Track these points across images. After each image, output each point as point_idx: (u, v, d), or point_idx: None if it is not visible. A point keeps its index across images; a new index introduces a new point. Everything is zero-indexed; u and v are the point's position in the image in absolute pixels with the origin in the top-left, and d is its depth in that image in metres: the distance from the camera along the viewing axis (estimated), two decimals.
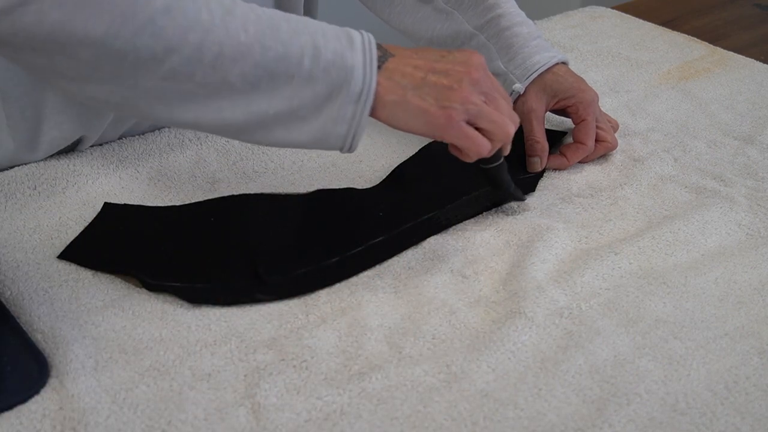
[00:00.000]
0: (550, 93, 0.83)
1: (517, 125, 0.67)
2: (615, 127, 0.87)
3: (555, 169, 0.83)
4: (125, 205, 0.76)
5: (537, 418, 0.56)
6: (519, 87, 0.83)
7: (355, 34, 0.62)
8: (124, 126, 0.86)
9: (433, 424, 0.55)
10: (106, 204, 0.76)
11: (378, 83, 0.62)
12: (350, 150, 0.64)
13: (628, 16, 1.20)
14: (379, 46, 0.63)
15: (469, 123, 0.64)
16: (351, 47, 0.61)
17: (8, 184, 0.78)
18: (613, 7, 1.23)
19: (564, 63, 0.84)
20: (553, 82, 0.83)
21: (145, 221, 0.74)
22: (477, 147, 0.65)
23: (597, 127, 0.83)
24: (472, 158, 0.67)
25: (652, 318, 0.64)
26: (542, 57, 0.83)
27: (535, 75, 0.82)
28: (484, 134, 0.65)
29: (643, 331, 0.63)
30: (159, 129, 0.88)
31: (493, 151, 0.67)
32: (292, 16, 0.61)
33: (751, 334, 0.63)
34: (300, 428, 0.55)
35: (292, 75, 0.60)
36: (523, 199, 0.77)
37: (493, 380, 0.58)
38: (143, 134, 0.87)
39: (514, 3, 0.87)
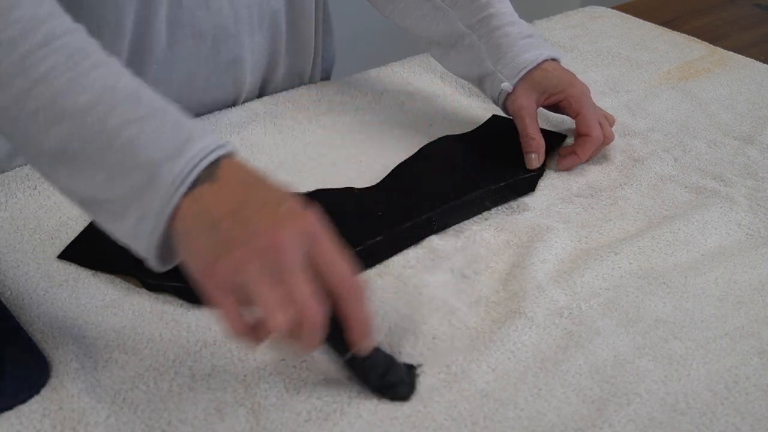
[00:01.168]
0: (539, 89, 0.83)
1: (316, 324, 0.51)
2: (611, 121, 0.87)
3: (567, 169, 0.83)
4: None
5: (537, 418, 0.56)
6: (507, 85, 0.83)
7: (196, 143, 0.54)
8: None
9: (433, 424, 0.55)
10: None
11: (179, 208, 0.53)
12: (158, 267, 0.56)
13: (628, 16, 1.20)
14: (217, 162, 0.54)
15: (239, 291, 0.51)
16: (174, 157, 0.53)
17: (8, 184, 0.78)
18: (613, 7, 1.23)
19: (554, 59, 0.84)
20: (542, 78, 0.83)
21: None
22: (225, 317, 0.52)
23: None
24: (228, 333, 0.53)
25: (652, 318, 0.64)
26: (531, 55, 0.83)
27: (523, 73, 0.82)
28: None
29: (643, 331, 0.63)
30: None
31: (259, 338, 0.52)
32: (145, 98, 0.55)
33: (751, 334, 0.63)
34: (300, 428, 0.55)
35: (105, 162, 0.54)
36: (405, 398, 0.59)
37: (493, 380, 0.58)
38: None
39: (508, 3, 0.87)
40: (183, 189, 0.52)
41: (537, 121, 0.83)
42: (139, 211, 0.53)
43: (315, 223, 0.53)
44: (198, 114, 0.92)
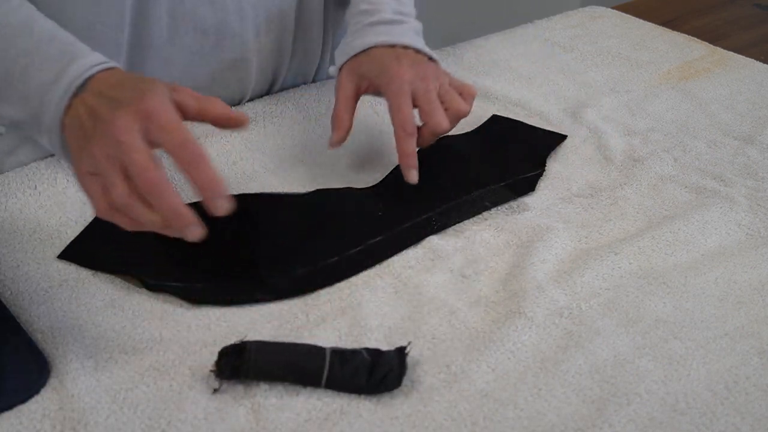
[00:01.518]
0: (359, 73, 0.80)
1: (153, 183, 0.58)
2: (466, 95, 0.79)
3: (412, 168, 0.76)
4: None
5: (537, 418, 0.56)
6: (332, 70, 0.83)
7: (75, 66, 0.64)
8: None
9: (433, 424, 0.55)
10: None
11: (63, 122, 0.64)
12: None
13: (628, 16, 1.20)
14: (90, 78, 0.64)
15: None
16: (57, 80, 0.64)
17: (8, 184, 0.78)
18: (613, 7, 1.23)
19: (394, 45, 0.79)
20: (363, 62, 0.80)
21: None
22: (91, 202, 0.61)
23: (419, 106, 0.77)
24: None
25: (652, 318, 0.64)
26: (365, 41, 0.80)
27: (347, 57, 0.81)
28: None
29: (643, 331, 0.63)
30: None
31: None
32: (36, 30, 0.67)
33: (751, 334, 0.63)
34: (300, 428, 0.55)
35: (13, 90, 0.66)
36: None
37: (493, 380, 0.58)
38: None
39: None
40: (63, 106, 0.64)
41: (349, 103, 0.80)
42: (45, 128, 0.65)
43: (151, 103, 0.60)
44: None
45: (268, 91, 0.98)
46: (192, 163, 0.59)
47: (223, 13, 0.86)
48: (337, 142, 0.79)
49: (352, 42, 0.82)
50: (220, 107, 0.65)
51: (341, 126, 0.79)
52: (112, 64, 0.66)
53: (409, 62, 0.78)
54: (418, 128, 0.76)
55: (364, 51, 0.80)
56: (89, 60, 0.65)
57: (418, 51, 0.80)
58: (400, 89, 0.76)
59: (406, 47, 0.80)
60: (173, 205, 0.58)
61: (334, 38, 1.02)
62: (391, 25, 0.82)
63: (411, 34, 0.82)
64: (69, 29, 0.70)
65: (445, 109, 0.77)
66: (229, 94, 0.93)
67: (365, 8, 0.84)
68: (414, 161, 0.75)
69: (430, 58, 0.81)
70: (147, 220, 0.59)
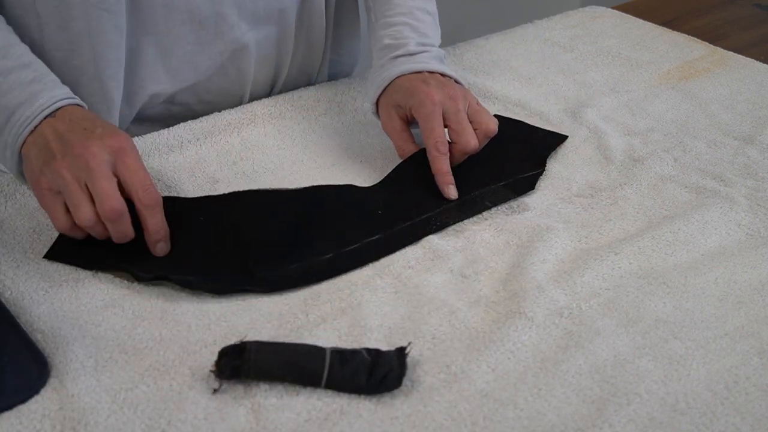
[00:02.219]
0: (393, 104, 0.82)
1: (114, 212, 0.65)
2: (485, 131, 0.80)
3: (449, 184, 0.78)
4: None
5: (537, 418, 0.56)
6: (370, 108, 0.85)
7: (45, 94, 0.71)
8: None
9: (433, 424, 0.55)
10: None
11: (25, 141, 0.70)
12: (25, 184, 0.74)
13: (628, 16, 1.20)
14: (59, 109, 0.71)
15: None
16: (26, 103, 0.70)
17: (8, 184, 0.78)
18: (613, 7, 1.23)
19: (419, 72, 0.82)
20: (393, 92, 0.82)
21: (133, 219, 0.74)
22: (54, 221, 0.68)
23: (449, 126, 0.79)
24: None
25: (652, 318, 0.64)
26: (391, 72, 0.83)
27: (379, 92, 0.83)
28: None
29: (643, 331, 0.63)
30: (158, 129, 0.88)
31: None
32: (12, 54, 0.72)
33: (751, 334, 0.63)
34: (300, 428, 0.55)
35: None
36: None
37: (493, 380, 0.58)
38: (143, 135, 0.87)
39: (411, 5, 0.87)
40: (30, 127, 0.70)
41: (404, 135, 0.82)
42: (3, 144, 0.71)
43: (123, 142, 0.68)
44: (206, 101, 0.92)
45: (272, 86, 0.98)
46: (149, 207, 0.67)
47: (220, 5, 0.86)
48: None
49: (380, 75, 0.84)
50: (152, 223, 0.68)
51: (408, 154, 0.82)
52: (80, 101, 0.73)
53: (437, 84, 0.81)
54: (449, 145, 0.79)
55: (391, 82, 0.83)
56: (61, 92, 0.72)
57: (443, 74, 0.83)
58: (432, 112, 0.78)
59: (432, 72, 0.83)
60: (128, 236, 0.68)
61: (348, 43, 1.02)
62: (414, 55, 0.84)
63: (434, 61, 0.85)
64: (69, 12, 0.75)
65: (475, 129, 0.79)
66: (229, 85, 0.92)
67: (389, 43, 0.86)
68: (450, 178, 0.78)
69: (456, 81, 0.84)
70: (106, 236, 0.68)
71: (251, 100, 0.95)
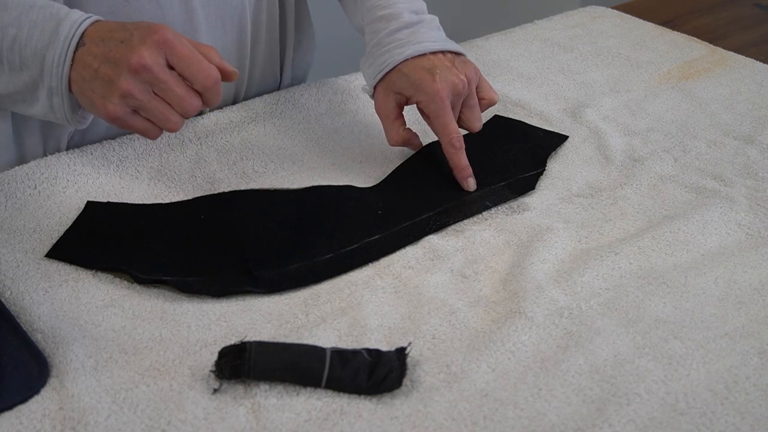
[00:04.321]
0: (395, 91, 0.81)
1: (196, 109, 0.66)
2: (488, 101, 0.83)
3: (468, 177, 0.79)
4: (108, 203, 0.76)
5: (537, 418, 0.56)
6: (367, 90, 0.84)
7: (65, 24, 0.67)
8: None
9: (433, 424, 0.55)
10: (88, 203, 0.76)
11: (69, 77, 0.67)
12: (80, 126, 0.71)
13: (628, 16, 1.20)
14: (84, 33, 0.67)
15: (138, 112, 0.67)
16: (52, 42, 0.66)
17: (8, 184, 0.78)
18: (613, 7, 1.23)
19: (422, 55, 0.80)
20: (396, 79, 0.80)
21: (131, 218, 0.74)
22: (147, 136, 0.68)
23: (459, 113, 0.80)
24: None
25: (652, 318, 0.64)
26: (393, 56, 0.81)
27: (380, 76, 0.81)
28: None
29: (643, 331, 0.63)
30: None
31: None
32: (12, 3, 0.68)
33: (751, 334, 0.63)
34: (300, 428, 0.55)
35: (2, 63, 0.68)
36: None
37: (493, 380, 0.58)
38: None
39: None
40: (68, 63, 0.67)
41: (396, 123, 0.81)
42: (46, 92, 0.68)
43: (163, 35, 0.65)
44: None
45: (237, 97, 0.96)
46: (211, 90, 0.66)
47: (170, 13, 0.84)
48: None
49: (379, 58, 0.81)
50: (215, 56, 0.67)
51: (403, 143, 0.82)
52: (96, 17, 0.69)
53: (443, 74, 0.79)
54: None
55: (394, 68, 0.80)
56: (76, 17, 0.68)
57: (444, 52, 0.81)
58: (441, 108, 0.78)
59: (434, 53, 0.81)
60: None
61: (303, 45, 1.01)
62: (411, 29, 0.82)
63: (433, 34, 0.83)
64: None
65: (480, 99, 0.82)
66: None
67: (381, 14, 0.83)
68: (469, 171, 0.79)
69: (458, 53, 0.82)
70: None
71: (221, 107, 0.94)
